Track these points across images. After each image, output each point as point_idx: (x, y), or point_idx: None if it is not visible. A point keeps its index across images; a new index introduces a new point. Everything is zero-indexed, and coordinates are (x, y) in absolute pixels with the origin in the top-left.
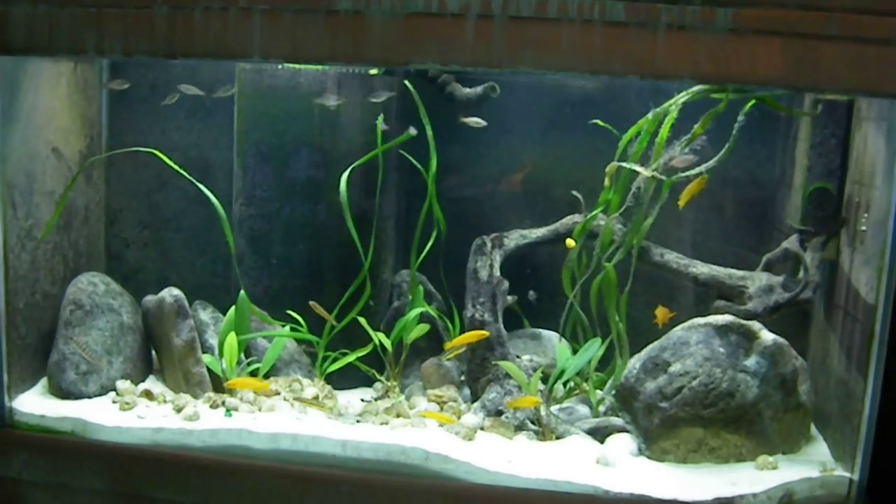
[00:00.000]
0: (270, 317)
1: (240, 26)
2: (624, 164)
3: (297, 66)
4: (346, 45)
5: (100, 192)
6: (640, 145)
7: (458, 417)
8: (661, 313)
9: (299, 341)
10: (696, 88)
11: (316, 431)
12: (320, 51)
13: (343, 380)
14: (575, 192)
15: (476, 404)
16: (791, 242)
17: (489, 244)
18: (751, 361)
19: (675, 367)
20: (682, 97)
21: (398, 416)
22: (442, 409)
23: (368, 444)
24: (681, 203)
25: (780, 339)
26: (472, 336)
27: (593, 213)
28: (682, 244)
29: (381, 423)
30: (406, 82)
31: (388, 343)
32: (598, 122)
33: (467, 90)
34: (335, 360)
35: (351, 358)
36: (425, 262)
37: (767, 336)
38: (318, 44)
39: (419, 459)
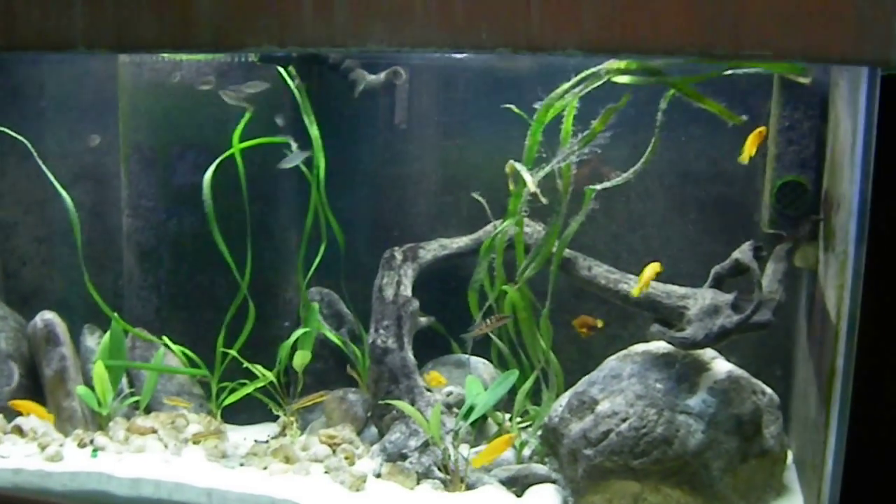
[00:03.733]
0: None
1: (62, 14)
2: (517, 165)
3: (177, 56)
4: (174, 30)
5: None
6: (565, 137)
7: (351, 463)
8: (580, 323)
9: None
10: (608, 65)
11: (182, 478)
12: (147, 37)
13: (245, 414)
14: (477, 196)
15: (375, 447)
16: (742, 252)
17: (399, 257)
18: (695, 400)
19: (603, 407)
20: (589, 77)
21: (287, 459)
22: (335, 451)
23: (236, 493)
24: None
25: (737, 372)
26: (501, 444)
27: (505, 222)
28: (631, 252)
29: (264, 468)
30: (280, 69)
31: (269, 374)
32: (512, 107)
33: (371, 77)
34: (232, 391)
35: (248, 389)
36: (337, 279)
37: (720, 368)
38: (145, 29)
39: None
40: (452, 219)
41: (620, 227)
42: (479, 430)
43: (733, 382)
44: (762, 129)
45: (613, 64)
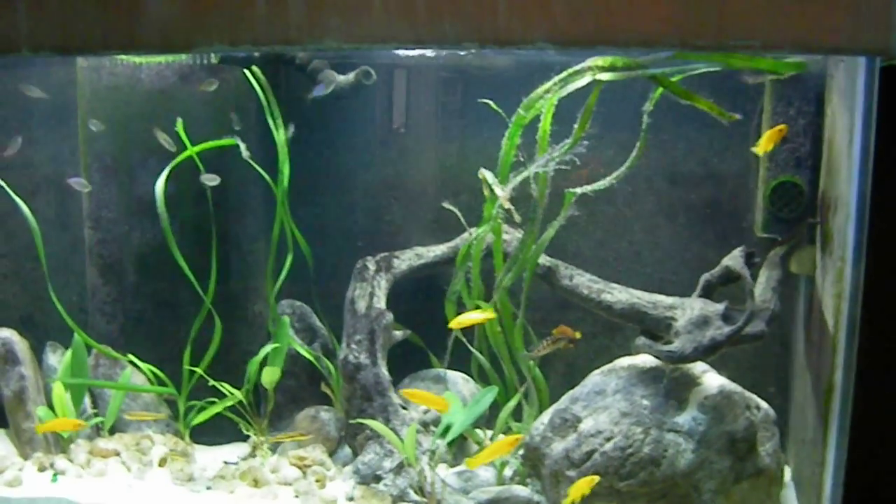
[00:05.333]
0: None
1: (4, 16)
2: (487, 175)
3: (137, 59)
4: (121, 31)
5: None
6: (542, 139)
7: (322, 486)
8: (557, 334)
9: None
10: (590, 62)
11: (144, 503)
12: (92, 39)
13: (216, 433)
14: (447, 205)
15: (348, 468)
16: (733, 258)
17: (372, 267)
18: (684, 418)
19: (586, 425)
20: (571, 75)
21: (255, 482)
22: (305, 474)
23: None
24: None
25: (730, 387)
26: (505, 445)
27: (480, 230)
28: (619, 259)
29: (231, 492)
30: (246, 70)
31: (238, 393)
32: (489, 102)
33: (340, 78)
34: (201, 410)
35: (217, 409)
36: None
37: (712, 383)
38: (90, 31)
39: None
40: (431, 225)
41: (607, 233)
42: (458, 449)
43: (725, 398)
44: (783, 126)
45: (597, 61)
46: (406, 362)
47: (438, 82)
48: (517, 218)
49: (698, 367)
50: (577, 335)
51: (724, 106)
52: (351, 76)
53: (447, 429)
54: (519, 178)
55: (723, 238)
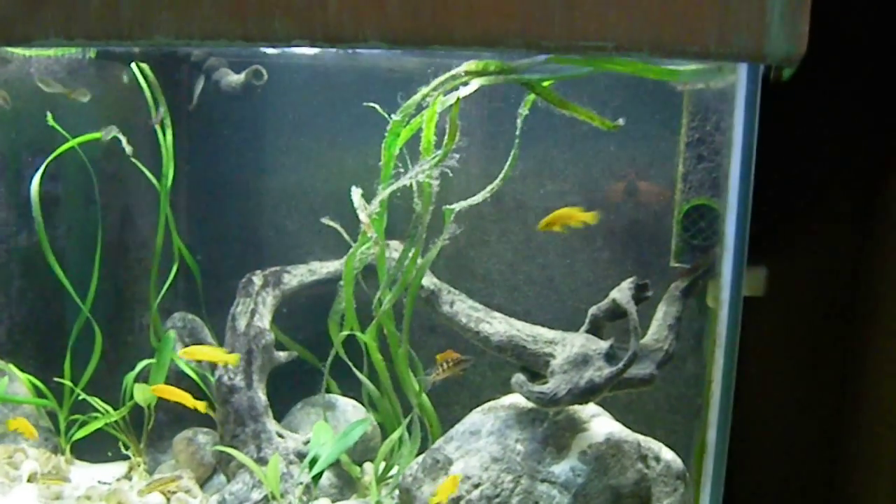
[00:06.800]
0: (17, 366)
1: None
2: (355, 192)
3: (26, 52)
4: None
5: None
6: (426, 148)
7: None
8: (444, 360)
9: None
10: (465, 66)
11: None
12: None
13: (103, 450)
14: (327, 220)
15: (213, 498)
16: (621, 291)
17: (258, 282)
18: (562, 467)
19: (456, 468)
20: (447, 80)
21: None
22: (169, 500)
23: None
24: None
25: (621, 434)
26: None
27: (357, 248)
28: (529, 283)
29: None
30: (134, 66)
31: (112, 411)
32: (376, 106)
33: (232, 77)
34: (83, 424)
35: (96, 425)
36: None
37: (598, 430)
38: None
39: None
40: (332, 237)
41: (517, 255)
42: (344, 483)
43: (612, 447)
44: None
45: (470, 65)
46: (305, 385)
47: (341, 84)
48: (371, 234)
49: (588, 410)
50: (468, 361)
51: (641, 121)
52: (242, 76)
53: (314, 461)
54: (385, 194)
55: (644, 265)
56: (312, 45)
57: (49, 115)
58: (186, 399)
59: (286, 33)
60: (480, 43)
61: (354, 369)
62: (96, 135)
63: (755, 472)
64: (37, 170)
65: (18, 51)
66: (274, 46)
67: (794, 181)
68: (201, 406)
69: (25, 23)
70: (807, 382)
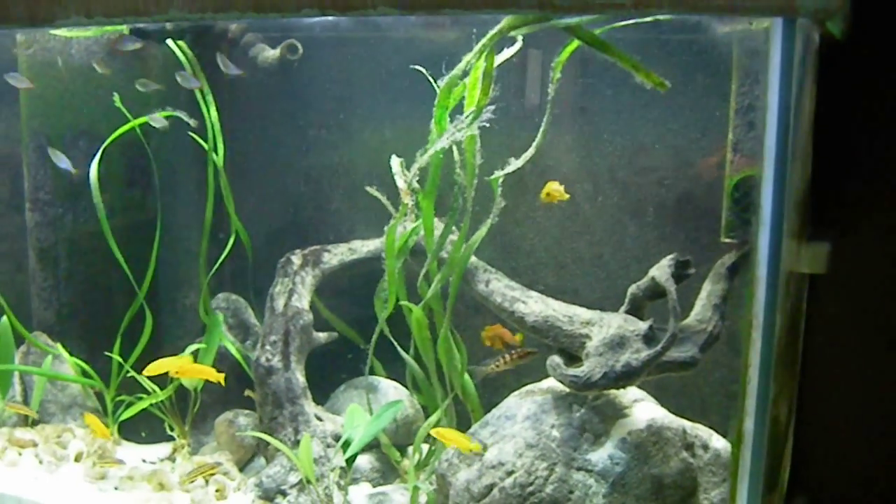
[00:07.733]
0: (65, 346)
1: None
2: (394, 161)
3: (66, 34)
4: None
5: None
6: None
7: (221, 496)
8: (490, 336)
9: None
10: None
11: (40, 498)
12: None
13: (153, 431)
14: (371, 188)
15: (251, 480)
16: (660, 268)
17: (297, 262)
18: (599, 455)
19: (490, 454)
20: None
21: (161, 486)
22: (207, 482)
23: None
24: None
25: (664, 421)
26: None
27: (393, 223)
28: (577, 261)
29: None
30: (169, 42)
31: (160, 392)
32: (420, 68)
33: (269, 52)
34: (130, 405)
35: (142, 405)
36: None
37: (641, 415)
38: None
39: None
40: (378, 214)
41: (565, 232)
42: (386, 467)
43: (654, 434)
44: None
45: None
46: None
47: (383, 56)
48: (408, 201)
49: (629, 395)
50: (518, 338)
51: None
52: (277, 51)
53: (346, 444)
54: (420, 163)
55: (695, 240)
56: (322, 14)
57: (116, 97)
58: (209, 374)
59: (296, 2)
60: (493, 5)
61: (400, 349)
62: (169, 113)
63: (823, 463)
64: (78, 151)
65: (59, 32)
66: (284, 16)
67: (860, 155)
68: (221, 378)
69: (50, 4)
70: (879, 365)
